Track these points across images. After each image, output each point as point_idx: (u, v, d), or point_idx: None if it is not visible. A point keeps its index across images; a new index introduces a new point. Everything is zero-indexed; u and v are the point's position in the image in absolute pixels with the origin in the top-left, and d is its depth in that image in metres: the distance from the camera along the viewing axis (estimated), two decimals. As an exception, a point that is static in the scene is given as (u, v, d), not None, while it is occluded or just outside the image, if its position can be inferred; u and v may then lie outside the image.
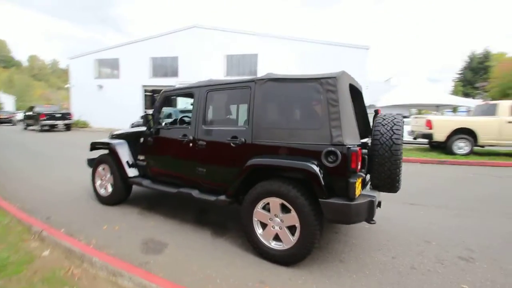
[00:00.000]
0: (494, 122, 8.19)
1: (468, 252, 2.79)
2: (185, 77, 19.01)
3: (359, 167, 2.28)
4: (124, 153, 3.89)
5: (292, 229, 2.47)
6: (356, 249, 2.81)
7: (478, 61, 51.54)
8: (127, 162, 3.84)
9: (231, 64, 19.59)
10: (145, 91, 21.45)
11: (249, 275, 2.34)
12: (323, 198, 2.26)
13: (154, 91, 21.44)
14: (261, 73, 18.31)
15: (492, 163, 7.59)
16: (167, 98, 3.63)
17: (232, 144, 2.83)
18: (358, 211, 2.21)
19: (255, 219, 2.64)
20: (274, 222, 2.55)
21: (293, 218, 2.42)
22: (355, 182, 2.18)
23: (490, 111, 8.54)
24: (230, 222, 3.52)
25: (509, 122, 8.04)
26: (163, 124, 3.67)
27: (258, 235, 2.62)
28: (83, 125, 21.50)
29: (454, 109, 21.01)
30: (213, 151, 2.99)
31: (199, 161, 3.11)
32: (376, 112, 2.83)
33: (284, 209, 2.49)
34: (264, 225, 2.63)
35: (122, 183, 3.90)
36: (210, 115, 3.13)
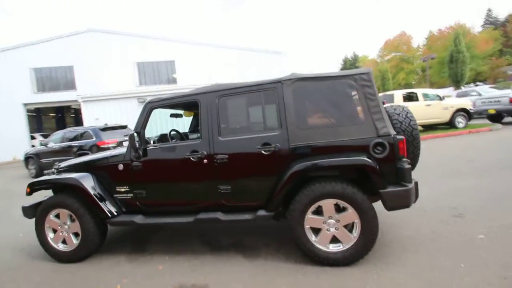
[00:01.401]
0: (418, 107, 10.29)
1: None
2: (86, 89, 16.03)
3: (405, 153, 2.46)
4: (95, 188, 2.94)
5: (348, 227, 2.45)
6: (386, 227, 3.02)
7: (350, 63, 64.43)
8: (101, 198, 2.92)
9: (143, 72, 17.78)
10: (31, 110, 16.95)
11: (332, 284, 2.18)
12: (384, 188, 2.33)
13: (40, 110, 17.21)
14: (181, 81, 17.37)
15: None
16: (153, 110, 2.95)
17: (264, 152, 2.56)
18: (413, 193, 2.39)
19: (306, 226, 2.47)
20: (328, 224, 2.46)
21: (351, 215, 2.40)
22: (410, 168, 2.34)
23: (389, 99, 10.74)
24: (247, 238, 3.18)
25: (427, 105, 10.33)
26: (152, 142, 2.97)
27: (313, 243, 2.47)
28: None
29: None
30: (240, 164, 2.63)
31: (220, 179, 2.67)
32: (383, 103, 3.11)
33: (338, 209, 2.44)
34: (317, 231, 2.50)
35: (96, 227, 2.94)
36: (226, 124, 2.74)
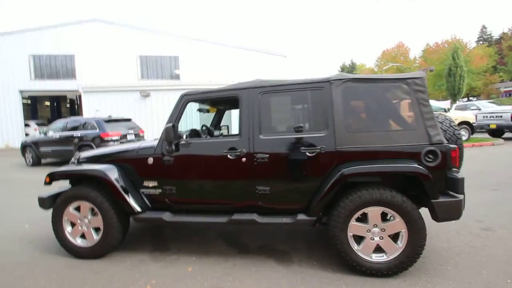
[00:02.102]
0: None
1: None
2: (86, 79, 15.63)
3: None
4: (121, 182, 2.78)
5: (391, 237, 2.36)
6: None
7: (347, 71, 65.18)
8: (128, 193, 2.76)
9: (146, 66, 17.47)
10: (25, 97, 16.44)
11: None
12: (436, 198, 2.26)
13: (35, 98, 16.71)
14: (184, 77, 17.15)
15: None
16: (188, 103, 2.81)
17: (308, 154, 2.45)
18: (463, 204, 2.31)
19: (349, 234, 2.37)
20: (373, 233, 2.36)
21: (398, 225, 2.31)
22: (463, 178, 2.27)
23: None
24: (272, 241, 3.06)
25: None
26: (185, 136, 2.82)
27: (356, 251, 2.37)
28: None
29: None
30: (281, 165, 2.52)
31: (259, 179, 2.55)
32: None
33: (383, 217, 2.35)
34: (359, 239, 2.40)
35: (119, 223, 2.78)
36: (268, 122, 2.62)
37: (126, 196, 2.70)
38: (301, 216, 2.46)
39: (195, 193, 2.73)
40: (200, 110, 3.61)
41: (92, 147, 8.48)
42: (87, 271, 2.59)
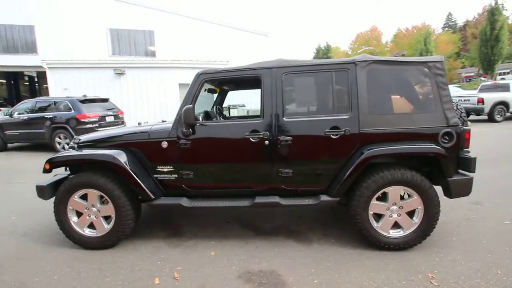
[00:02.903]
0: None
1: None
2: (50, 54, 14.08)
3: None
4: (133, 167, 2.60)
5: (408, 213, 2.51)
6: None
7: (323, 52, 65.67)
8: (142, 179, 2.60)
9: (117, 41, 16.12)
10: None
11: (400, 267, 2.23)
12: (451, 177, 2.41)
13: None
14: (160, 54, 16.13)
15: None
16: (206, 83, 2.64)
17: (332, 136, 2.46)
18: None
19: (370, 212, 2.48)
20: (391, 210, 2.49)
21: (415, 202, 2.45)
22: (476, 158, 2.42)
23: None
24: (286, 222, 3.12)
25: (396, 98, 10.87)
26: (200, 118, 2.67)
27: (376, 228, 2.49)
28: None
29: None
30: (305, 148, 2.51)
31: (282, 162, 2.53)
32: None
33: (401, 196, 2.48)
34: (378, 216, 2.52)
35: (133, 211, 2.64)
36: (291, 104, 2.56)
37: (140, 182, 2.54)
38: (324, 197, 2.51)
39: (214, 177, 2.65)
40: (209, 90, 3.43)
41: (67, 130, 7.83)
42: (102, 262, 2.46)
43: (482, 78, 32.09)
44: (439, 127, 2.44)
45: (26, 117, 8.24)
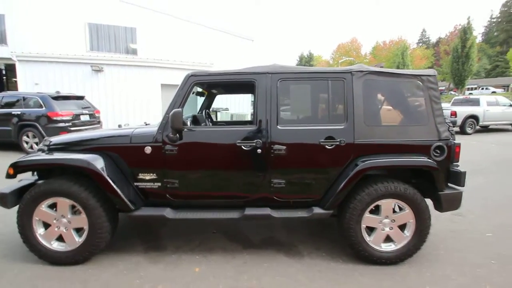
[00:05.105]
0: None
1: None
2: (20, 46, 13.09)
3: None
4: (111, 174, 2.36)
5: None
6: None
7: (305, 60, 67.17)
8: (121, 187, 2.36)
9: (96, 36, 15.36)
10: None
11: (393, 284, 2.16)
12: (442, 190, 2.40)
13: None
14: (142, 53, 15.56)
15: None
16: (196, 86, 2.47)
17: (327, 147, 2.38)
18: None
19: (363, 226, 2.42)
20: (384, 224, 2.44)
21: (407, 215, 2.42)
22: (465, 172, 2.44)
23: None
24: (275, 233, 2.99)
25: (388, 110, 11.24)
26: (188, 123, 2.49)
27: (368, 242, 2.43)
28: None
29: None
30: (299, 157, 2.41)
31: (274, 172, 2.41)
32: None
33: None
34: (370, 230, 2.46)
35: (109, 222, 2.39)
36: (286, 112, 2.45)
37: (119, 191, 2.30)
38: (317, 210, 2.42)
39: (201, 186, 2.47)
40: (198, 93, 3.25)
41: (36, 128, 7.24)
42: (71, 281, 2.19)
43: (453, 92, 34.23)
44: (431, 140, 2.44)
45: (-10, 113, 7.52)
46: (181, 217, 2.40)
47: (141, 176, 2.45)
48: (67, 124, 7.47)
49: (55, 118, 7.32)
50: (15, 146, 7.47)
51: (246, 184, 2.45)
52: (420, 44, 59.33)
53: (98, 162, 2.35)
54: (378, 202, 2.39)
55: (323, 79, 2.44)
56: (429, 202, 2.52)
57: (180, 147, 2.39)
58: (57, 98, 7.68)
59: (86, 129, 7.42)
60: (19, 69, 11.13)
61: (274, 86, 2.40)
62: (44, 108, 7.34)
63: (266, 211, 2.42)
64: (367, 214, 2.41)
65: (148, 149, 2.41)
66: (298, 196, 2.48)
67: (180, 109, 2.27)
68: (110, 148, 2.47)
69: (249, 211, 2.41)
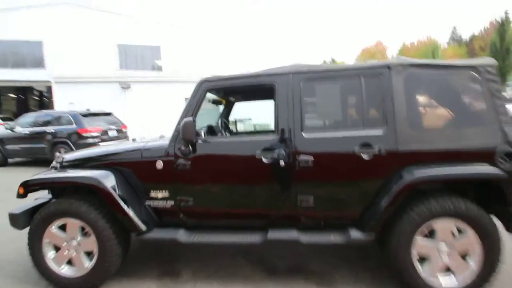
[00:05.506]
0: None
1: None
2: (58, 69, 14.15)
3: None
4: (122, 192, 2.17)
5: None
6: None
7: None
8: (132, 207, 2.16)
9: (125, 56, 16.23)
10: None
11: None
12: None
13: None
14: (166, 69, 16.14)
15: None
16: (210, 92, 2.24)
17: (363, 156, 2.00)
18: None
19: (413, 253, 1.96)
20: (440, 251, 1.97)
21: (471, 240, 1.93)
22: None
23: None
24: (301, 257, 2.60)
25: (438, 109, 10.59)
26: (203, 134, 2.26)
27: (420, 274, 1.96)
28: None
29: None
30: (330, 170, 2.05)
31: (301, 186, 2.07)
32: None
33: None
34: (423, 258, 2.00)
35: (119, 245, 2.18)
36: (312, 117, 2.13)
37: (129, 211, 2.10)
38: (356, 234, 2.01)
39: (217, 205, 2.19)
40: (214, 102, 3.03)
41: (68, 145, 7.54)
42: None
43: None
44: (494, 144, 1.96)
45: (27, 132, 8.00)
46: (195, 240, 2.12)
47: (153, 193, 2.24)
48: (96, 140, 7.70)
49: (84, 134, 7.59)
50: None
51: (268, 202, 2.13)
52: (451, 43, 55.89)
53: (108, 180, 2.17)
54: (432, 224, 1.94)
55: (354, 77, 2.08)
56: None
57: (194, 161, 2.15)
58: (87, 115, 7.99)
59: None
60: (56, 90, 11.97)
61: (296, 87, 2.09)
62: (74, 125, 7.65)
63: (293, 234, 2.07)
64: (418, 239, 1.96)
65: (159, 164, 2.19)
66: (330, 216, 2.11)
67: (191, 118, 2.04)
68: (121, 164, 2.30)
69: (273, 235, 2.08)
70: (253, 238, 2.09)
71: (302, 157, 2.04)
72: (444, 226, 1.93)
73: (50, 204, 2.21)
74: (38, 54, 14.62)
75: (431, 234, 1.97)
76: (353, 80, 2.09)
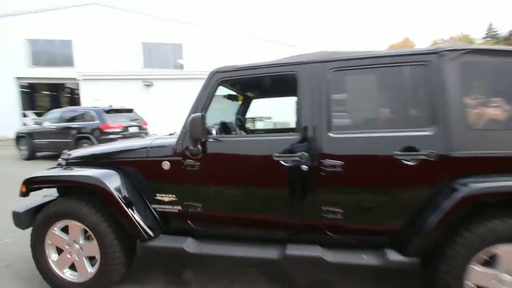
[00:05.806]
0: None
1: None
2: (85, 67, 14.69)
3: None
4: (126, 194, 1.98)
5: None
6: None
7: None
8: (136, 210, 1.96)
9: (149, 54, 16.54)
10: (24, 85, 15.60)
11: None
12: None
13: (33, 86, 15.90)
14: (187, 66, 16.23)
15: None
16: (222, 85, 1.99)
17: (405, 162, 1.64)
18: None
19: (468, 284, 1.58)
20: (502, 282, 1.56)
21: (547, 272, 1.51)
22: None
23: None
24: (322, 272, 2.27)
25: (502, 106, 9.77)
26: (214, 131, 2.01)
27: (476, 309, 1.57)
28: None
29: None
30: (362, 177, 1.71)
31: (326, 195, 1.75)
32: None
33: None
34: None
35: (122, 252, 1.99)
36: (341, 113, 1.80)
37: (133, 215, 1.90)
38: (394, 256, 1.66)
39: (229, 212, 1.93)
40: (229, 97, 2.77)
41: (90, 140, 7.69)
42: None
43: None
44: None
45: (54, 127, 8.28)
46: (203, 251, 1.88)
47: (159, 197, 2.02)
48: (117, 136, 7.80)
49: (106, 130, 7.70)
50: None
51: (286, 212, 1.84)
52: (488, 39, 51.69)
53: (112, 180, 1.99)
54: (494, 249, 1.55)
55: (395, 65, 1.72)
56: None
57: (203, 162, 1.90)
58: (109, 111, 8.11)
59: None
60: (83, 86, 12.40)
61: (323, 78, 1.76)
62: (97, 121, 7.79)
63: (316, 251, 1.76)
64: (475, 267, 1.57)
65: (166, 165, 1.97)
66: (360, 231, 1.77)
67: (200, 113, 1.79)
68: (126, 163, 2.11)
69: (292, 250, 1.78)
70: (270, 253, 1.81)
71: (329, 161, 1.72)
72: (509, 253, 1.53)
73: (51, 204, 2.07)
74: (68, 52, 15.33)
75: (492, 261, 1.57)
76: (393, 69, 1.72)
